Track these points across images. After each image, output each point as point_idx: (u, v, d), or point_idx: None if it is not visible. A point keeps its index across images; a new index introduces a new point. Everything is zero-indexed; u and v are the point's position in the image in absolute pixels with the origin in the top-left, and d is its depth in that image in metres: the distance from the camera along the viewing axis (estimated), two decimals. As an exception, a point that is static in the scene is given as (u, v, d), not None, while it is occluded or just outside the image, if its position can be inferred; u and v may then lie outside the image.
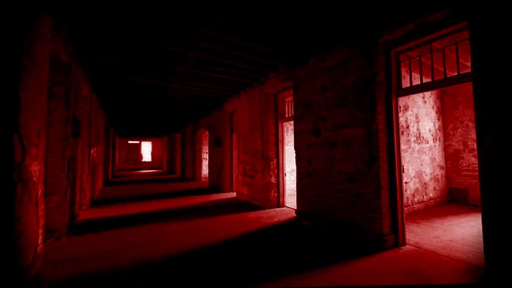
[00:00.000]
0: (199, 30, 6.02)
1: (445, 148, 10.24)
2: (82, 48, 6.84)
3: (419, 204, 8.77)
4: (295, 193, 8.48)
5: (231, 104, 13.26)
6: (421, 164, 9.14)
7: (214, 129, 16.00)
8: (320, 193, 7.19)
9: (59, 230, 6.53)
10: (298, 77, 8.22)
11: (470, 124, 9.56)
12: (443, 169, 10.07)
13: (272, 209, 9.60)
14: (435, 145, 9.79)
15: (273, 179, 10.02)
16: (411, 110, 8.94)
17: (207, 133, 19.41)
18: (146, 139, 37.17)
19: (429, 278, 4.31)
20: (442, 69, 5.41)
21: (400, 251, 5.45)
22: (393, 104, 5.88)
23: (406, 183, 8.35)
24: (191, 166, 20.98)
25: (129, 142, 36.68)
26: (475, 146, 8.98)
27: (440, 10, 4.69)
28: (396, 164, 5.78)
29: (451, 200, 9.99)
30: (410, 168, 8.71)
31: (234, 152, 14.04)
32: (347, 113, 6.46)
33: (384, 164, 5.76)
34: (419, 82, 5.73)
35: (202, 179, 19.99)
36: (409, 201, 8.48)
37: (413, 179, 8.79)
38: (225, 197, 12.61)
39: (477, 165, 4.23)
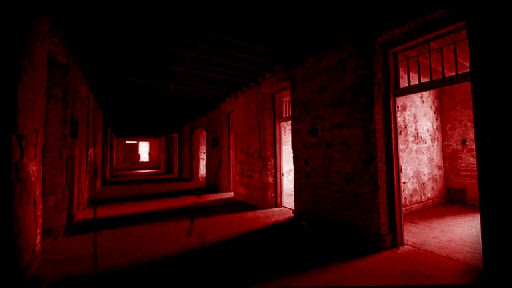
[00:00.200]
0: (198, 30, 6.02)
1: (443, 148, 10.25)
2: (81, 48, 6.84)
3: (417, 204, 8.78)
4: (293, 193, 8.46)
5: (229, 104, 13.27)
6: (419, 164, 9.15)
7: (212, 129, 15.99)
8: (318, 193, 7.19)
9: (57, 229, 6.51)
10: (296, 77, 8.22)
11: (469, 124, 9.56)
12: (441, 169, 10.08)
13: (270, 209, 9.60)
14: (433, 145, 9.79)
15: (270, 179, 10.02)
16: (409, 110, 8.94)
17: (204, 133, 19.41)
18: (143, 139, 37.18)
19: (427, 279, 4.32)
20: (440, 69, 5.42)
21: (398, 251, 5.45)
22: (391, 104, 5.87)
23: (404, 183, 8.35)
24: (189, 166, 20.98)
25: (127, 142, 36.64)
26: (473, 146, 8.97)
27: (438, 10, 4.69)
28: (394, 164, 5.78)
29: (449, 200, 10.00)
30: (408, 168, 8.71)
31: (231, 152, 14.02)
32: (344, 113, 6.46)
33: (382, 164, 5.76)
34: (417, 82, 5.74)
35: (200, 179, 19.99)
36: (407, 201, 8.48)
37: (411, 179, 8.79)
38: (222, 197, 12.60)
39: (475, 165, 4.24)
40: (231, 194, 13.24)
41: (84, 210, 9.82)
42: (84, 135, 9.71)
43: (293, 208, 8.43)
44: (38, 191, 4.50)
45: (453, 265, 4.76)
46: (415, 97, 9.24)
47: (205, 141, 19.27)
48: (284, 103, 10.14)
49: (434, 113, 10.04)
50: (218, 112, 14.85)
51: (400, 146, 7.50)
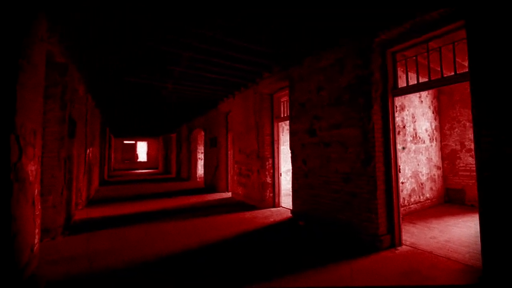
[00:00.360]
0: (198, 31, 6.01)
1: (442, 148, 10.25)
2: (81, 48, 6.83)
3: (415, 205, 8.79)
4: (291, 193, 8.47)
5: (226, 104, 13.25)
6: (418, 164, 9.15)
7: (210, 129, 15.98)
8: (316, 193, 7.19)
9: (55, 229, 6.50)
10: (293, 77, 8.22)
11: (467, 124, 9.55)
12: (440, 169, 10.09)
13: (268, 209, 9.60)
14: (431, 145, 9.80)
15: (268, 179, 10.02)
16: (408, 110, 8.95)
17: (202, 133, 19.42)
18: (141, 139, 37.15)
19: (426, 279, 4.32)
20: (439, 69, 5.41)
21: (397, 251, 5.45)
22: (389, 104, 5.87)
23: (402, 183, 8.35)
24: (187, 166, 20.97)
25: (125, 142, 36.61)
26: (472, 146, 8.96)
27: (437, 9, 4.68)
28: (392, 164, 5.78)
29: (448, 201, 10.00)
30: (407, 168, 8.72)
31: (229, 152, 14.02)
32: (343, 113, 6.46)
33: (380, 164, 5.76)
34: (416, 82, 5.74)
35: (198, 179, 19.99)
36: (406, 202, 8.48)
37: (410, 179, 8.80)
38: (220, 197, 12.60)
39: (474, 165, 4.24)
40: (229, 194, 13.23)
41: (83, 210, 9.80)
42: (82, 135, 9.70)
43: (291, 208, 8.42)
44: (36, 191, 4.50)
45: (452, 265, 4.77)
46: (414, 97, 9.25)
47: (203, 141, 19.28)
48: (282, 103, 10.13)
49: (433, 113, 10.05)
50: (216, 112, 14.83)
51: (399, 146, 7.51)
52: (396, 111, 7.04)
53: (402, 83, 6.35)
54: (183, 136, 22.25)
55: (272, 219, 8.22)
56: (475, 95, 4.14)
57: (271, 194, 10.01)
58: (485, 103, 4.02)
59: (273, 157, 10.11)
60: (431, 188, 9.52)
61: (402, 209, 6.65)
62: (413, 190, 8.83)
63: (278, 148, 10.11)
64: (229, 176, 14.06)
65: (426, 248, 5.53)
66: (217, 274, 4.62)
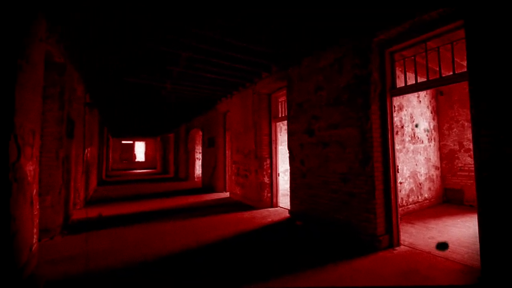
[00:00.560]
0: (198, 31, 6.01)
1: (440, 148, 10.27)
2: (81, 49, 6.82)
3: (414, 205, 8.80)
4: (289, 193, 8.48)
5: (224, 104, 13.24)
6: (416, 164, 9.16)
7: (208, 129, 15.96)
8: (314, 193, 7.19)
9: (54, 229, 6.49)
10: (292, 77, 8.21)
11: (466, 123, 9.56)
12: (438, 169, 10.10)
13: (266, 209, 9.60)
14: (430, 145, 9.81)
15: (266, 179, 10.02)
16: (406, 110, 8.96)
17: (200, 133, 19.39)
18: (139, 139, 37.13)
19: (425, 279, 4.33)
20: (437, 69, 5.42)
21: (395, 251, 5.46)
22: (388, 104, 5.88)
23: (400, 183, 8.36)
24: (185, 166, 20.96)
25: (123, 142, 36.59)
26: (471, 146, 9.01)
27: (436, 9, 4.69)
28: (391, 164, 5.79)
29: (446, 201, 10.01)
30: (405, 168, 8.74)
31: (227, 152, 14.03)
32: (341, 113, 6.46)
33: (379, 164, 5.77)
34: (414, 82, 5.74)
35: (196, 179, 19.98)
36: (404, 202, 8.49)
37: (408, 179, 8.81)
38: (218, 197, 12.59)
39: (472, 165, 4.24)
40: (227, 194, 13.23)
41: (81, 209, 9.78)
42: (80, 135, 9.68)
43: (289, 208, 8.42)
44: (35, 191, 4.50)
45: (451, 265, 4.77)
46: (412, 97, 9.25)
47: (201, 141, 19.23)
48: (280, 103, 10.14)
49: (431, 113, 10.06)
50: (214, 112, 14.82)
51: (397, 146, 7.52)
52: (395, 111, 7.07)
53: (400, 83, 6.38)
54: (181, 136, 22.25)
55: (270, 219, 8.22)
56: (474, 94, 4.15)
57: (269, 194, 10.01)
58: (484, 102, 4.02)
59: (271, 157, 10.11)
60: (429, 188, 9.54)
61: (400, 209, 6.67)
62: (411, 190, 8.85)
63: (276, 148, 10.11)
64: (227, 176, 14.06)
65: (424, 248, 5.54)
66: (215, 274, 4.62)
